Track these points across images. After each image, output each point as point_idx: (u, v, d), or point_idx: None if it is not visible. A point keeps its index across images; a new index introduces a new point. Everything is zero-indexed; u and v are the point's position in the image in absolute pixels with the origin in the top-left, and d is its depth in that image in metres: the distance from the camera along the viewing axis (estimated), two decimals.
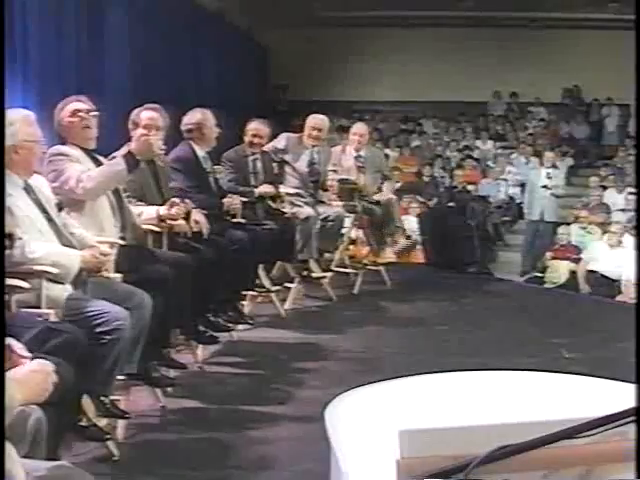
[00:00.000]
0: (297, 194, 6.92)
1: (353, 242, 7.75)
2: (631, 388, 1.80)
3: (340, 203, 7.38)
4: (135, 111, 5.00)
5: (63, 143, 4.37)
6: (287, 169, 6.96)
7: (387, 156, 13.51)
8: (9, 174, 3.57)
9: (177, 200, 4.83)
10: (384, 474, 1.52)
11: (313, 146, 7.10)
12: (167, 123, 5.04)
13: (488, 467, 1.45)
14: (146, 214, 4.71)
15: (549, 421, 1.55)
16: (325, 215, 7.01)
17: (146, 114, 4.97)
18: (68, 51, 7.78)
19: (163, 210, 4.73)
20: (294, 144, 7.07)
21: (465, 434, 1.55)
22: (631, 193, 10.84)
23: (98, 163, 4.41)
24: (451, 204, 11.37)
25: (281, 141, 7.02)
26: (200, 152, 5.78)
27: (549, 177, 10.78)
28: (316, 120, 7.16)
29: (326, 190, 7.25)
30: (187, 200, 5.32)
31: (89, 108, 4.39)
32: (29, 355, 2.37)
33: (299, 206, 6.81)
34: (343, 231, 7.33)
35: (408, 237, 10.99)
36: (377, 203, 7.63)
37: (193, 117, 5.78)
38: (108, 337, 3.46)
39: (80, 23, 8.04)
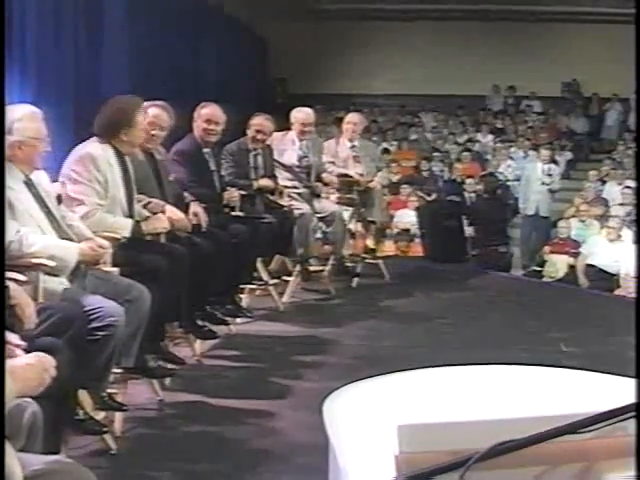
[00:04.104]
0: (293, 186, 6.91)
1: (352, 235, 7.74)
2: (629, 382, 1.79)
3: (337, 195, 7.40)
4: (143, 105, 4.94)
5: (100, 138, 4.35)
6: (276, 165, 6.92)
7: (388, 151, 13.56)
8: (11, 167, 3.56)
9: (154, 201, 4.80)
10: (383, 469, 1.51)
11: (301, 140, 7.08)
12: (172, 122, 5.00)
13: (488, 463, 1.44)
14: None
15: (548, 416, 1.55)
16: (324, 214, 7.01)
17: (153, 111, 4.91)
18: (66, 47, 7.75)
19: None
20: (278, 141, 7.02)
21: (464, 429, 1.54)
22: (627, 187, 10.84)
23: (124, 169, 4.39)
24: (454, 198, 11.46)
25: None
26: (204, 147, 5.77)
27: (546, 173, 10.77)
28: (304, 114, 7.11)
29: (326, 185, 7.24)
30: (186, 193, 5.34)
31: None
32: (23, 344, 2.36)
33: (295, 199, 6.80)
34: (347, 227, 7.34)
35: (406, 230, 11.03)
36: (364, 191, 7.61)
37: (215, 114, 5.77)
38: (101, 333, 3.44)
39: (78, 18, 8.02)
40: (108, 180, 4.27)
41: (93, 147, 4.30)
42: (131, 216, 4.40)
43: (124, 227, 4.29)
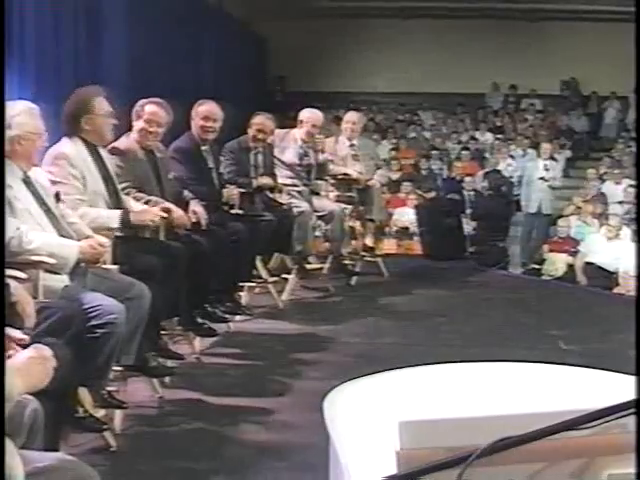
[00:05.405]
0: (293, 184, 6.91)
1: (353, 233, 7.74)
2: (628, 380, 1.80)
3: (336, 194, 7.41)
4: (140, 102, 4.95)
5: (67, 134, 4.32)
6: (277, 162, 6.92)
7: (397, 149, 13.59)
8: (10, 164, 3.57)
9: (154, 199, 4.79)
10: (384, 465, 1.51)
11: (305, 141, 7.08)
12: (170, 119, 5.00)
13: (489, 459, 1.45)
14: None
15: (547, 412, 1.55)
16: (323, 212, 7.01)
17: (149, 108, 4.92)
18: (65, 44, 7.73)
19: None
20: (279, 138, 7.02)
21: (464, 425, 1.55)
22: (631, 185, 10.83)
23: (99, 161, 4.37)
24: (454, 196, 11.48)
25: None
26: (202, 144, 5.76)
27: (546, 169, 10.76)
28: (317, 117, 7.11)
29: (329, 176, 7.25)
30: (186, 192, 5.34)
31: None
32: (25, 337, 2.36)
33: (295, 197, 6.80)
34: (346, 226, 7.33)
35: (405, 228, 11.04)
36: (363, 189, 7.62)
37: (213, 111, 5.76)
38: (101, 331, 3.45)
39: (77, 16, 8.00)
40: (85, 176, 4.25)
41: (64, 146, 4.28)
42: (118, 208, 4.38)
43: (111, 218, 4.27)
